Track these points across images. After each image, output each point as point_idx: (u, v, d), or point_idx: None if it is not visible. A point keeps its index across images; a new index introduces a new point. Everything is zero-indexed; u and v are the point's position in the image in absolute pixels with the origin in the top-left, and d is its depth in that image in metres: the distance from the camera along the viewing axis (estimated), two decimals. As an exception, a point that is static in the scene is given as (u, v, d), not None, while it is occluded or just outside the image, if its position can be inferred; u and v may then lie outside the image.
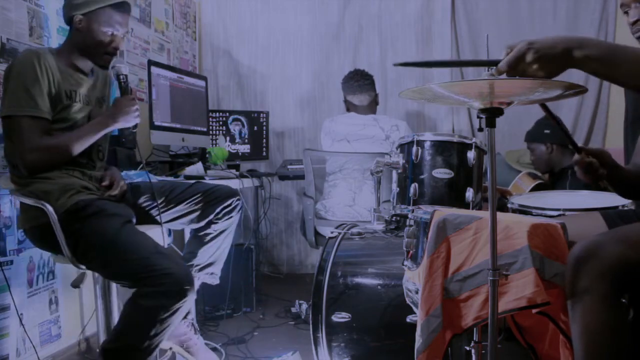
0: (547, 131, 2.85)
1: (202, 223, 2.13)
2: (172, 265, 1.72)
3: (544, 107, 1.48)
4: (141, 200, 2.08)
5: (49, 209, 1.76)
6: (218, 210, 2.12)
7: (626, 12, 1.61)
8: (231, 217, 2.15)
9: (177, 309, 1.70)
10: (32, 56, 1.80)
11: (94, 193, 1.90)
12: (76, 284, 2.03)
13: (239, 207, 2.17)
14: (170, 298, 1.68)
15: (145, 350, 1.71)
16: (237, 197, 2.17)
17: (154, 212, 2.08)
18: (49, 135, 1.83)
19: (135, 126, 2.00)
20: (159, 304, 1.67)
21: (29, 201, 1.81)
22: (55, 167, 1.85)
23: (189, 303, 1.74)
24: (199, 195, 2.11)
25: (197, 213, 2.12)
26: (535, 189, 2.69)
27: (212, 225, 2.13)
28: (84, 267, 1.84)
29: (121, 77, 2.00)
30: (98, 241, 1.76)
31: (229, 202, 2.13)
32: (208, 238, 2.15)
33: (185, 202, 2.10)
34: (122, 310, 1.76)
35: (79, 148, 1.87)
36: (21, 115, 1.78)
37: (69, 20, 1.92)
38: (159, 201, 2.08)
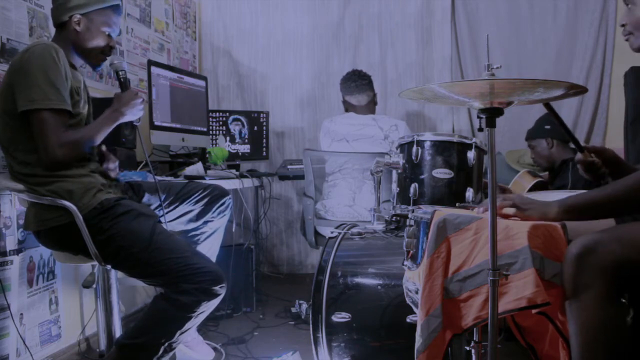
0: (547, 127, 2.88)
1: (199, 222, 2.17)
2: (209, 263, 1.84)
3: (548, 106, 1.48)
4: (145, 199, 2.10)
5: (74, 208, 1.76)
6: (214, 208, 2.17)
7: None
8: (225, 215, 2.22)
9: (209, 306, 1.79)
10: (51, 49, 1.77)
11: (111, 191, 1.91)
12: (87, 284, 2.03)
13: (230, 206, 2.24)
14: (208, 294, 1.77)
15: (170, 346, 1.77)
16: (229, 196, 2.24)
17: (158, 211, 2.09)
18: (69, 130, 1.82)
19: (139, 119, 2.02)
20: (197, 300, 1.75)
21: (46, 201, 1.78)
22: (74, 162, 1.84)
23: (219, 300, 1.81)
24: (198, 193, 2.14)
25: (195, 212, 2.16)
26: (535, 186, 2.70)
27: (208, 224, 2.19)
28: (109, 266, 1.87)
29: (120, 72, 2.01)
30: (134, 241, 1.78)
31: (223, 200, 2.20)
32: (203, 237, 2.20)
33: (186, 202, 2.14)
34: (150, 307, 1.82)
35: (95, 143, 1.89)
36: (48, 108, 1.74)
37: (63, 20, 1.90)
38: (162, 200, 2.09)
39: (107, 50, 1.96)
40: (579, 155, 1.61)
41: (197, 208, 2.15)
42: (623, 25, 1.59)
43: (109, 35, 1.95)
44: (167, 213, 2.09)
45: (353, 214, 2.87)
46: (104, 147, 2.01)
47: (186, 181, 2.30)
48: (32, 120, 1.75)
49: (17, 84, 1.75)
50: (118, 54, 2.89)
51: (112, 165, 2.00)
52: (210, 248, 2.21)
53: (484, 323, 1.29)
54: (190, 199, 2.14)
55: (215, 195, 2.18)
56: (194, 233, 2.19)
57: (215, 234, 2.22)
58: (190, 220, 2.17)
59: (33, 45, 1.81)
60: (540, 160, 2.93)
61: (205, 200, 2.16)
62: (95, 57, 1.96)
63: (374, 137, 2.96)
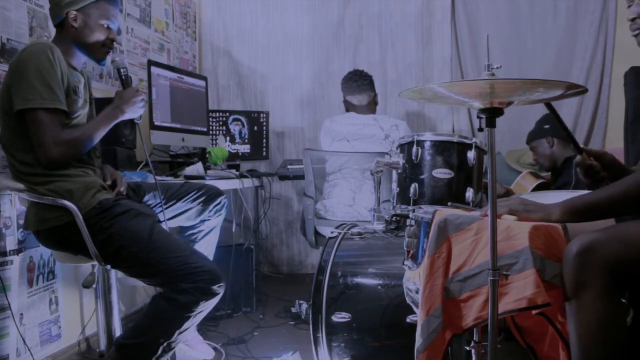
0: (546, 126, 2.89)
1: (197, 221, 2.18)
2: (207, 262, 1.83)
3: (548, 106, 1.48)
4: (146, 198, 2.11)
5: (74, 208, 1.75)
6: (211, 207, 2.18)
7: (629, 7, 1.60)
8: (221, 214, 2.23)
9: (208, 306, 1.79)
10: (46, 49, 1.77)
11: (110, 191, 1.91)
12: (88, 284, 2.03)
13: (226, 205, 2.25)
14: (206, 294, 1.77)
15: (169, 346, 1.77)
16: (225, 196, 2.25)
17: (157, 210, 2.09)
18: (67, 129, 1.82)
19: (140, 117, 2.02)
20: (196, 299, 1.75)
21: (46, 201, 1.78)
22: (73, 161, 1.84)
23: (217, 300, 1.81)
24: (194, 192, 2.15)
25: (193, 210, 2.17)
26: (538, 188, 2.70)
27: (205, 222, 2.20)
28: (109, 266, 1.87)
29: (122, 70, 2.01)
30: (133, 241, 1.78)
31: (219, 199, 2.20)
32: (200, 236, 2.21)
33: (183, 200, 2.15)
34: (149, 307, 1.82)
35: (94, 141, 1.88)
36: (42, 108, 1.74)
37: (60, 18, 1.90)
38: (161, 199, 2.09)
39: (109, 42, 1.95)
40: (577, 158, 1.61)
41: (194, 207, 2.16)
42: (633, 20, 1.56)
43: (108, 28, 1.94)
44: (165, 210, 2.09)
45: (353, 213, 2.87)
46: (108, 181, 2.00)
47: (184, 181, 2.30)
48: (27, 120, 1.76)
49: (14, 84, 1.76)
50: (118, 53, 2.89)
51: (122, 188, 2.00)
52: (207, 247, 2.21)
53: (484, 323, 1.29)
54: (187, 197, 2.15)
55: (211, 195, 2.19)
56: (191, 232, 2.20)
57: (212, 232, 2.23)
58: (187, 219, 2.17)
59: (29, 45, 1.81)
60: (542, 161, 2.93)
61: (202, 199, 2.16)
62: (98, 52, 1.95)
63: (375, 137, 2.96)
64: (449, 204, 1.89)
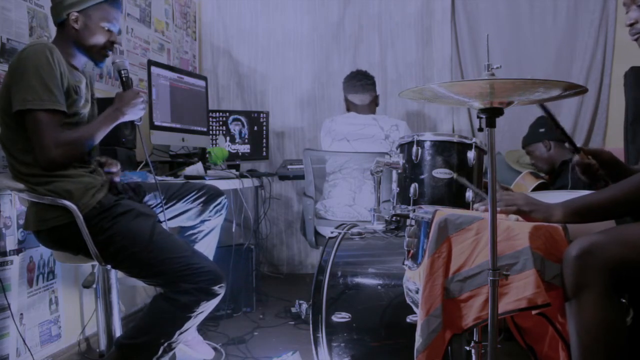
0: (541, 130, 2.89)
1: (197, 221, 2.18)
2: (208, 263, 1.84)
3: (543, 107, 1.49)
4: (146, 198, 2.10)
5: (74, 208, 1.75)
6: (211, 207, 2.18)
7: (627, 12, 1.60)
8: (221, 214, 2.23)
9: (208, 306, 1.79)
10: (45, 49, 1.76)
11: (111, 191, 1.90)
12: (87, 284, 2.03)
13: (226, 206, 2.25)
14: (207, 294, 1.77)
15: (169, 346, 1.78)
16: (225, 196, 2.25)
17: (157, 210, 2.09)
18: (66, 130, 1.81)
19: (140, 119, 2.02)
20: (197, 300, 1.76)
21: (46, 201, 1.77)
22: (72, 162, 1.84)
23: (218, 300, 1.81)
24: (194, 193, 2.15)
25: (193, 211, 2.17)
26: (538, 188, 2.70)
27: (205, 223, 2.20)
28: (109, 266, 1.87)
29: (123, 71, 2.00)
30: (134, 241, 1.78)
31: (219, 200, 2.20)
32: (200, 236, 2.21)
33: (184, 200, 2.15)
34: (149, 307, 1.82)
35: (94, 142, 1.88)
36: (42, 109, 1.73)
37: (61, 18, 1.89)
38: (162, 199, 2.09)
39: (109, 45, 1.95)
40: (576, 158, 1.61)
41: (194, 207, 2.16)
42: (632, 25, 1.55)
43: (109, 31, 1.93)
44: (166, 210, 2.09)
45: (353, 213, 2.87)
46: (103, 158, 2.01)
47: (184, 181, 2.30)
48: (26, 121, 1.75)
49: (13, 84, 1.76)
50: (118, 53, 2.89)
51: (115, 169, 2.00)
52: (207, 247, 2.21)
53: (484, 323, 1.29)
54: (187, 198, 2.15)
55: (212, 195, 2.19)
56: (191, 232, 2.20)
57: (212, 232, 2.23)
58: (188, 219, 2.17)
59: (29, 45, 1.81)
60: (540, 164, 2.93)
61: (202, 199, 2.16)
62: (97, 54, 1.95)
63: (375, 137, 2.96)
64: (454, 175, 1.88)
